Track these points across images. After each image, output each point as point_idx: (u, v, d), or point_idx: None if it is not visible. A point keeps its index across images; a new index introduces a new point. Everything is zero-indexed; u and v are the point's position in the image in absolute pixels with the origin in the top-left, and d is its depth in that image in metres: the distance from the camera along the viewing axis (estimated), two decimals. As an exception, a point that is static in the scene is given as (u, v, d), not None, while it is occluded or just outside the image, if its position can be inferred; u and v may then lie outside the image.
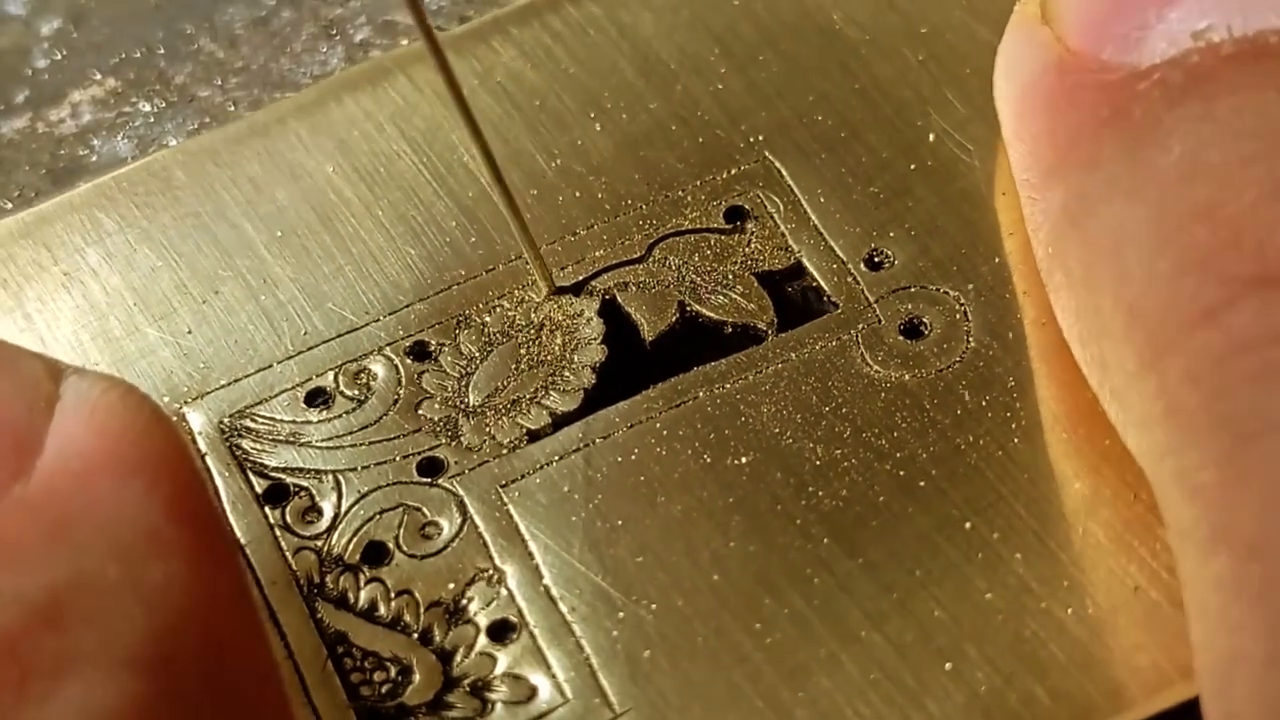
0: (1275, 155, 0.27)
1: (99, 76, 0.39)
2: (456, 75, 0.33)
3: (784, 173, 0.34)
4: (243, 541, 0.31)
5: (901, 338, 0.32)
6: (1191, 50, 0.28)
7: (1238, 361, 0.26)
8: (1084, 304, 0.29)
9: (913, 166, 0.34)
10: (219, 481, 0.31)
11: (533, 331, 0.33)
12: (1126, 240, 0.28)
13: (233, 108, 0.37)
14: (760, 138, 0.35)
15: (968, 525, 0.30)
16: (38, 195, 0.37)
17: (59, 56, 0.39)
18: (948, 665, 0.29)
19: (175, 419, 0.32)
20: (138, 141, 0.38)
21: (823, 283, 0.33)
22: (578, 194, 0.35)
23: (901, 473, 0.31)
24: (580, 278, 0.34)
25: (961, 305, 0.32)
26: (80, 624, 0.25)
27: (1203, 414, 0.26)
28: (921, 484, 0.31)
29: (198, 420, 0.32)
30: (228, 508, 0.31)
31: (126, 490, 0.26)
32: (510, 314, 0.33)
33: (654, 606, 0.30)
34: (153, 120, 0.38)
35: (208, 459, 0.32)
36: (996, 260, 0.33)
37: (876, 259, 0.33)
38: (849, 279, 0.33)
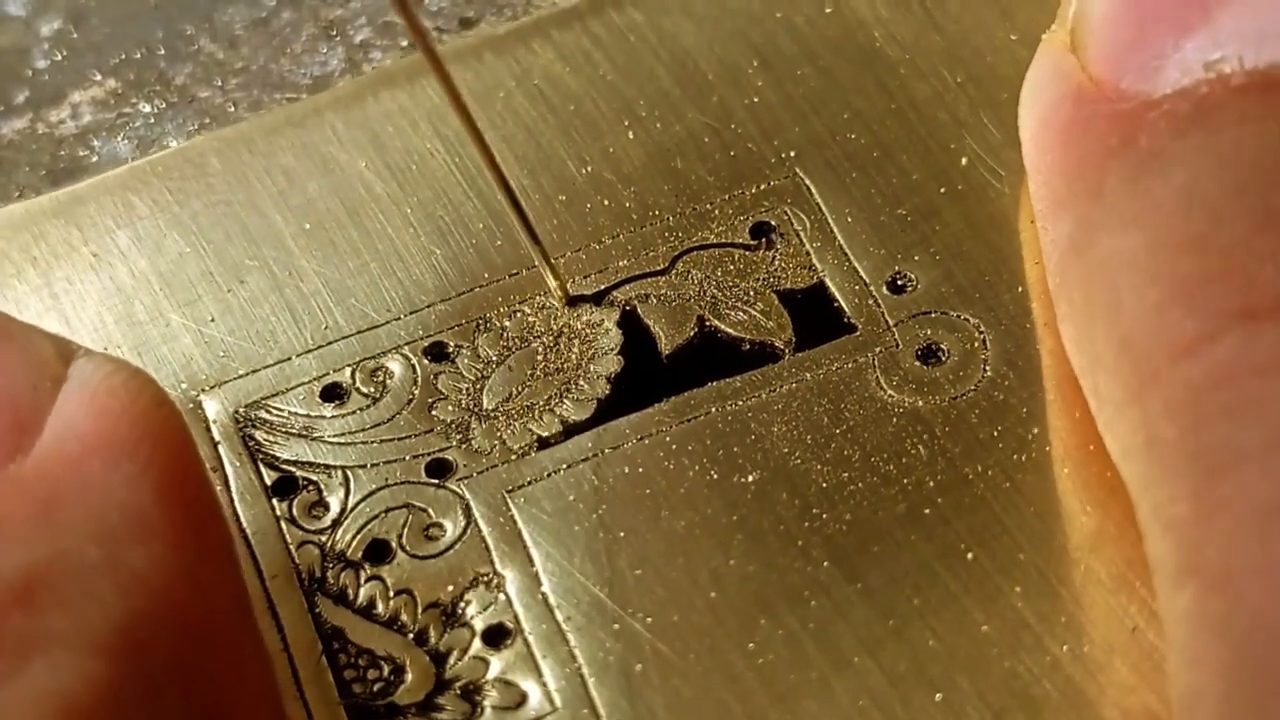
0: (1270, 187, 0.27)
1: (99, 77, 0.39)
2: (493, 77, 0.34)
3: (813, 190, 0.34)
4: (249, 532, 0.31)
5: (918, 363, 0.32)
6: (1202, 81, 0.28)
7: (1216, 394, 0.26)
8: (1082, 334, 0.29)
9: (943, 190, 0.34)
10: (229, 471, 0.32)
11: (551, 339, 0.33)
12: (1121, 270, 0.28)
13: (232, 109, 0.38)
14: (792, 154, 0.35)
15: (970, 556, 0.30)
16: (38, 196, 0.37)
17: (59, 57, 0.39)
18: (938, 696, 0.29)
19: (191, 406, 0.32)
20: (138, 142, 0.38)
21: (843, 303, 0.33)
22: (606, 202, 0.35)
23: (907, 499, 0.31)
24: (602, 287, 0.34)
25: (981, 333, 0.32)
26: (53, 605, 0.25)
27: (1179, 446, 0.26)
28: (926, 512, 0.30)
29: (213, 408, 0.32)
30: (236, 498, 0.31)
31: (117, 473, 0.27)
32: (530, 320, 0.33)
33: (650, 620, 0.30)
34: (153, 121, 0.38)
35: (220, 448, 0.32)
36: (1019, 289, 0.33)
37: (899, 282, 0.33)
38: (870, 301, 0.33)
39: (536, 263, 0.33)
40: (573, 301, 0.33)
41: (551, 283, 0.33)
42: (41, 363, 0.28)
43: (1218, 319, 0.26)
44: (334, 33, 0.39)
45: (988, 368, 0.32)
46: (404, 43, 0.39)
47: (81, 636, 0.25)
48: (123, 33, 0.39)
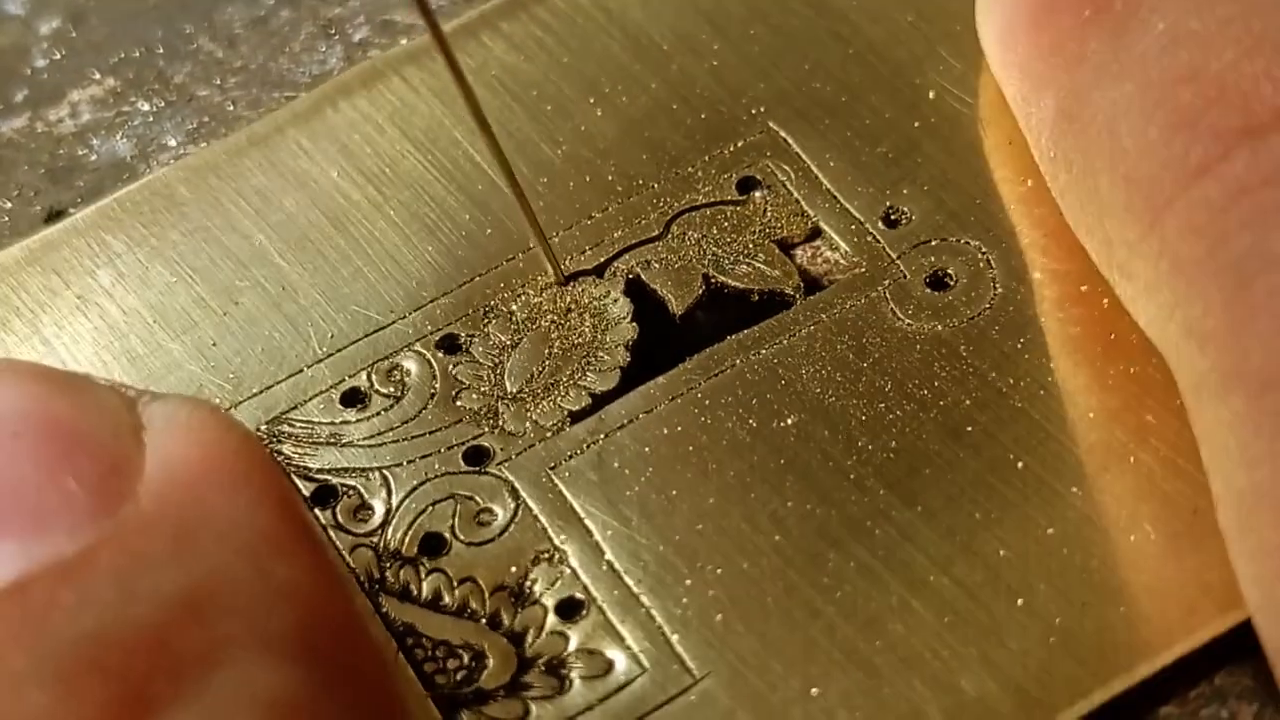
0: (1252, 15, 0.28)
1: (98, 76, 0.38)
2: (447, 73, 0.34)
3: (790, 141, 0.35)
4: (298, 544, 0.31)
5: (928, 290, 0.33)
6: None
7: (1234, 207, 0.27)
8: (1086, 191, 0.30)
9: (917, 124, 0.35)
10: (265, 488, 0.31)
11: (560, 316, 0.33)
12: (1117, 118, 0.29)
13: (231, 107, 0.37)
14: (762, 109, 0.35)
15: (1020, 465, 0.30)
16: (37, 195, 0.37)
17: (58, 56, 0.38)
18: (1019, 601, 0.29)
19: (211, 431, 0.32)
20: (137, 141, 0.37)
21: (843, 244, 0.33)
22: (588, 178, 0.35)
23: (948, 420, 0.31)
24: (602, 260, 0.34)
25: (984, 253, 0.33)
26: (224, 614, 0.25)
27: (1205, 263, 0.27)
28: (969, 429, 0.31)
29: (235, 430, 0.32)
30: (278, 512, 0.31)
31: (238, 499, 0.27)
32: (536, 300, 0.33)
33: (719, 572, 0.30)
34: (152, 120, 0.38)
35: (250, 467, 0.31)
36: (1012, 207, 0.33)
37: (893, 216, 0.34)
38: (869, 238, 0.33)
39: (533, 242, 0.33)
40: (569, 279, 0.33)
41: (548, 263, 0.33)
42: (114, 411, 0.28)
43: (1223, 139, 0.27)
44: (333, 31, 0.38)
45: (997, 285, 0.32)
46: (403, 41, 0.38)
47: (260, 641, 0.25)
48: (122, 32, 0.39)
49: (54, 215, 0.36)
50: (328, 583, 0.27)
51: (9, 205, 0.37)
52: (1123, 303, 0.30)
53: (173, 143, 0.37)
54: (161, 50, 0.39)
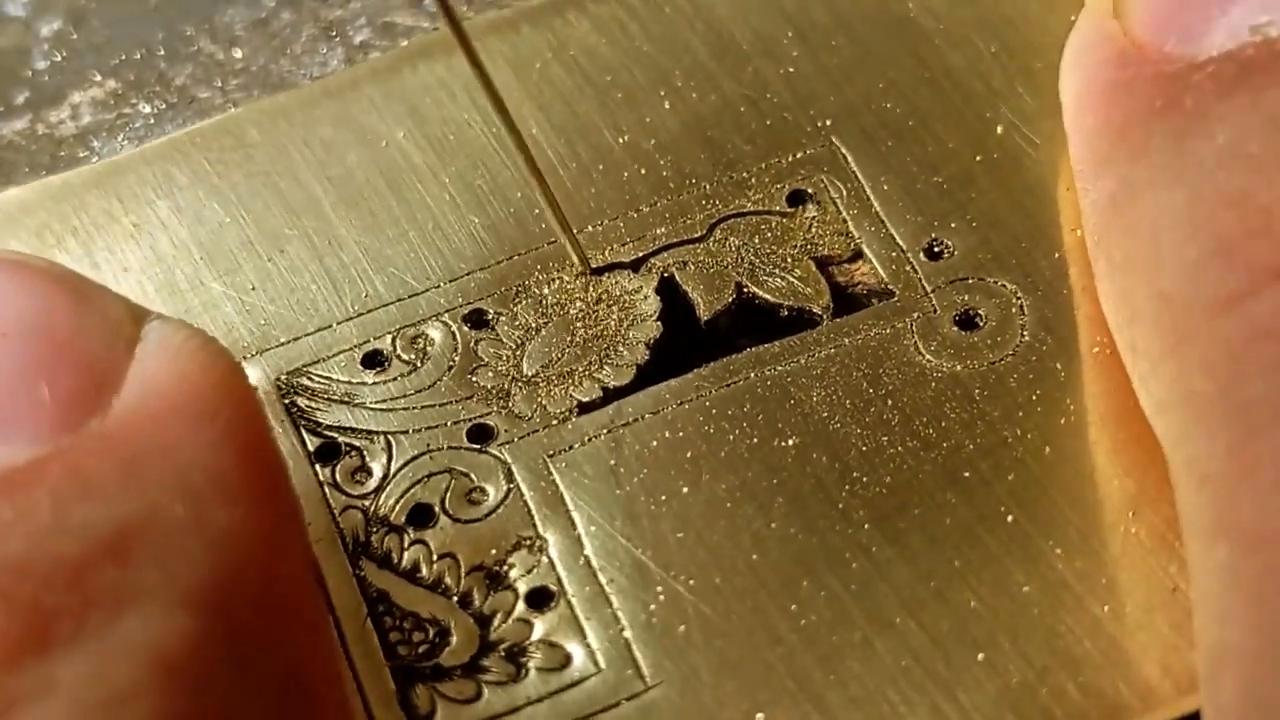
0: None
1: (99, 78, 0.39)
2: (530, 48, 0.34)
3: (849, 158, 0.35)
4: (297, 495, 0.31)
5: (956, 328, 0.32)
6: (1248, 44, 0.29)
7: (1255, 350, 0.26)
8: (1121, 290, 0.30)
9: (978, 158, 0.34)
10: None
11: (590, 305, 0.33)
12: (1162, 226, 0.28)
13: (232, 109, 0.38)
14: (827, 122, 0.35)
15: (1010, 518, 0.30)
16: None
17: (59, 58, 0.39)
18: (980, 656, 0.29)
19: (234, 373, 0.33)
20: (138, 143, 0.38)
21: (881, 270, 0.33)
22: (643, 171, 0.35)
23: (946, 462, 0.31)
24: (640, 254, 0.34)
25: (1018, 299, 0.32)
26: (145, 559, 0.25)
27: (1217, 402, 0.27)
28: (966, 475, 0.31)
29: (255, 375, 0.33)
30: (280, 464, 0.32)
31: (200, 434, 0.27)
32: (569, 287, 0.33)
33: (692, 583, 0.30)
34: (153, 122, 0.38)
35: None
36: (1056, 255, 0.33)
37: (936, 248, 0.33)
38: (908, 267, 0.33)
39: (557, 233, 0.33)
40: (596, 272, 0.33)
41: (573, 253, 0.33)
42: (115, 322, 0.28)
43: (1257, 275, 0.27)
44: (333, 33, 0.39)
45: (1025, 333, 0.32)
46: (404, 43, 0.39)
47: (172, 590, 0.25)
48: (122, 33, 0.39)
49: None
50: (272, 536, 0.27)
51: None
52: (1142, 408, 0.30)
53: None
54: (162, 52, 0.39)
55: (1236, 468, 0.26)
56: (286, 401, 0.32)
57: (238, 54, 0.38)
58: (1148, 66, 0.30)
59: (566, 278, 0.33)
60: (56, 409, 0.27)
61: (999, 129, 0.35)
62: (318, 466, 0.32)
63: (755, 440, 0.31)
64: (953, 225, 0.33)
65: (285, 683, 0.26)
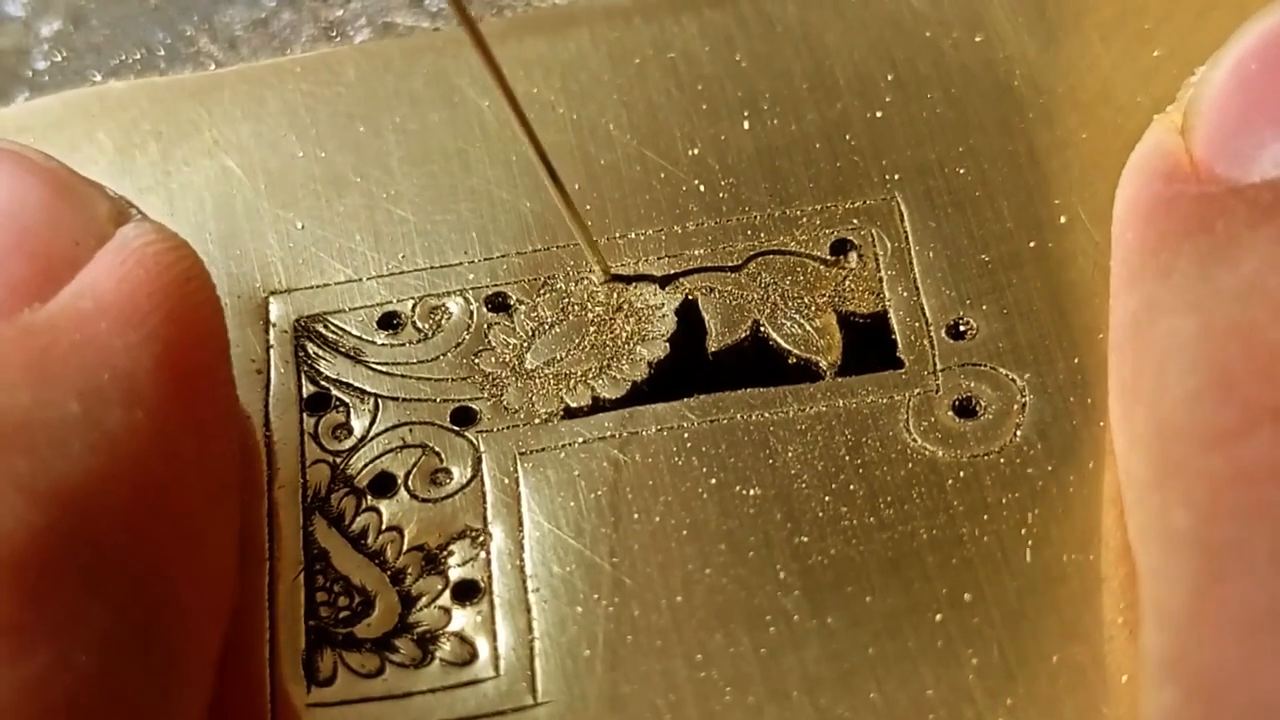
0: None
1: (99, 78, 0.40)
2: (634, 42, 0.34)
3: (905, 216, 0.34)
4: (274, 439, 0.32)
5: (951, 413, 0.32)
6: None
7: (1236, 492, 0.26)
8: (1127, 411, 0.29)
9: (1032, 244, 0.33)
10: (272, 375, 0.33)
11: (608, 312, 0.33)
12: (1172, 352, 0.28)
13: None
14: (896, 176, 0.35)
15: (938, 618, 0.30)
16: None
17: (59, 58, 0.40)
18: (862, 751, 0.29)
19: (258, 304, 0.33)
20: None
21: (899, 338, 0.33)
22: (701, 188, 0.35)
23: (895, 547, 0.31)
24: (671, 271, 0.34)
25: (1023, 398, 0.32)
26: (20, 449, 0.26)
27: (1190, 539, 0.26)
28: (911, 563, 0.30)
29: (277, 311, 0.34)
30: (271, 403, 0.33)
31: (119, 337, 0.28)
32: (594, 289, 0.34)
33: (610, 609, 0.30)
34: None
35: (272, 351, 0.33)
36: (1075, 361, 0.32)
37: (960, 328, 0.33)
38: (925, 341, 0.33)
39: (579, 238, 0.33)
40: (615, 279, 0.34)
41: (591, 257, 0.33)
42: (91, 220, 0.29)
43: (1254, 413, 0.26)
44: (333, 34, 0.39)
45: (1018, 433, 0.31)
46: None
47: (36, 482, 0.26)
48: (122, 34, 0.40)
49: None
50: (171, 448, 0.27)
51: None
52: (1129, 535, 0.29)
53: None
54: (162, 52, 0.40)
55: (1197, 609, 0.25)
56: (297, 344, 0.33)
57: (237, 54, 0.39)
58: (1193, 185, 0.29)
59: (594, 279, 0.34)
60: None
61: (1063, 219, 0.34)
62: (305, 414, 0.32)
63: (718, 482, 0.31)
64: (984, 307, 0.33)
65: (152, 605, 0.26)
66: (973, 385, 0.32)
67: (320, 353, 0.33)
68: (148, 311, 0.28)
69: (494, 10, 0.37)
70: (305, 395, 0.33)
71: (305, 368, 0.33)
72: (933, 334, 0.33)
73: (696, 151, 0.35)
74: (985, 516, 0.31)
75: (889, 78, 0.36)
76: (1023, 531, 0.30)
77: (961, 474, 0.31)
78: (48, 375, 0.27)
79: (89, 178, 0.31)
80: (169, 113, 0.36)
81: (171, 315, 0.28)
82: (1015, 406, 0.32)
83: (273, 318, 0.34)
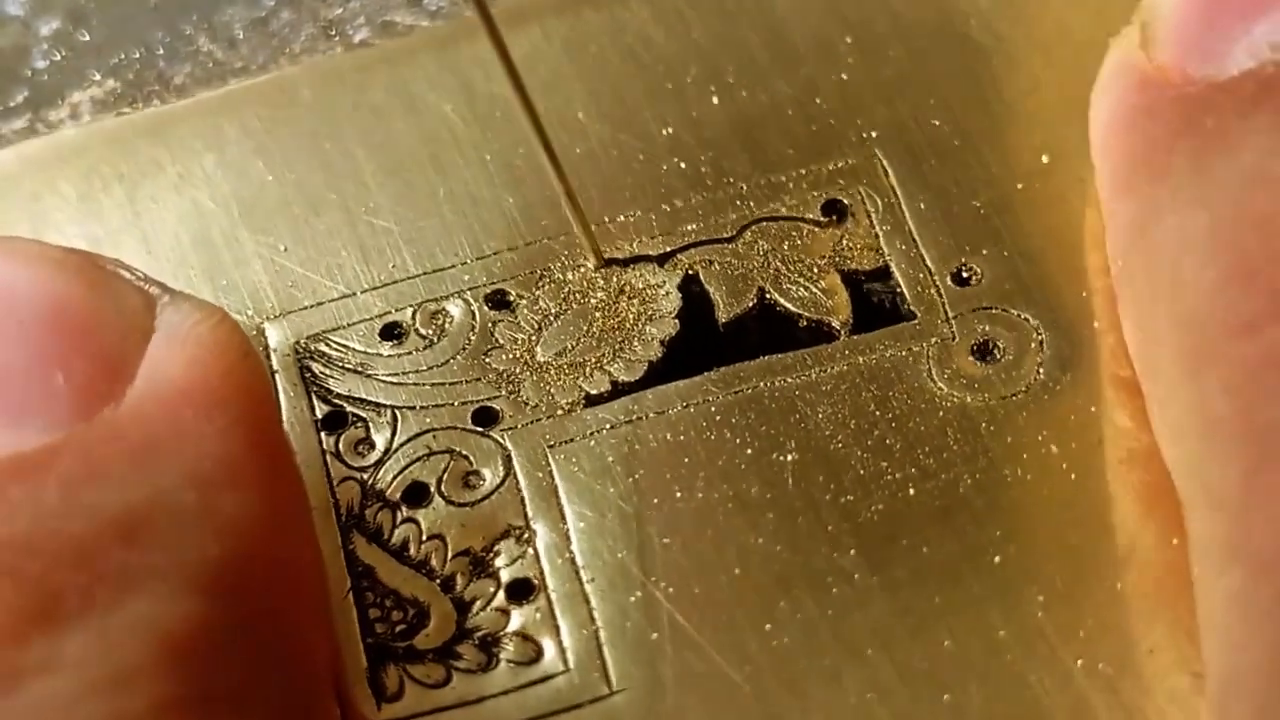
0: None
1: (98, 77, 0.39)
2: (587, 31, 0.34)
3: (890, 173, 0.34)
4: (298, 463, 0.32)
5: (972, 358, 0.32)
6: (1269, 62, 0.28)
7: (1272, 373, 0.26)
8: (1142, 313, 0.29)
9: (1020, 186, 0.34)
10: (283, 400, 0.32)
11: (611, 296, 0.33)
12: (1184, 249, 0.28)
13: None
14: (874, 134, 0.35)
15: (996, 559, 0.30)
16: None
17: (58, 57, 0.39)
18: (946, 698, 0.29)
19: (255, 332, 0.33)
20: None
21: (906, 290, 0.33)
22: (682, 165, 0.35)
23: (943, 495, 0.31)
24: (667, 249, 0.34)
25: (1039, 335, 0.32)
26: (154, 543, 0.26)
27: (1234, 425, 0.26)
28: (960, 509, 0.30)
29: (275, 337, 0.33)
30: (286, 428, 0.32)
31: (210, 422, 0.27)
32: (593, 276, 0.33)
33: (671, 590, 0.30)
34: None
35: (278, 377, 0.33)
36: (1084, 293, 0.32)
37: (965, 274, 0.33)
38: (932, 290, 0.33)
39: (575, 226, 0.33)
40: (609, 264, 0.33)
41: (586, 244, 0.33)
42: (131, 309, 0.29)
43: (1277, 299, 0.26)
44: (333, 32, 0.39)
45: (1041, 370, 0.32)
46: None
47: (180, 574, 0.26)
48: (122, 33, 0.39)
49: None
50: (281, 521, 0.28)
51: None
52: (1155, 437, 0.29)
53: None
54: (162, 51, 0.39)
55: (1252, 492, 0.26)
56: (301, 366, 0.33)
57: (237, 53, 0.38)
58: (1170, 90, 0.30)
59: (592, 266, 0.33)
60: (72, 397, 0.27)
61: (1045, 158, 0.34)
62: (323, 434, 0.32)
63: (753, 452, 0.31)
64: (984, 252, 0.33)
65: (290, 666, 0.26)
66: (987, 329, 0.32)
67: (326, 371, 0.33)
68: (225, 393, 0.28)
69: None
70: (320, 415, 0.32)
71: (314, 388, 0.32)
72: (938, 283, 0.33)
73: (671, 131, 0.35)
74: (1025, 455, 0.31)
75: (847, 40, 0.36)
76: (1064, 465, 0.31)
77: (994, 416, 0.31)
78: (155, 469, 0.27)
79: (109, 258, 0.30)
80: (127, 153, 0.35)
81: (247, 393, 0.28)
82: (1033, 345, 0.32)
83: (272, 344, 0.33)
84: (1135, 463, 0.30)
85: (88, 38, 0.40)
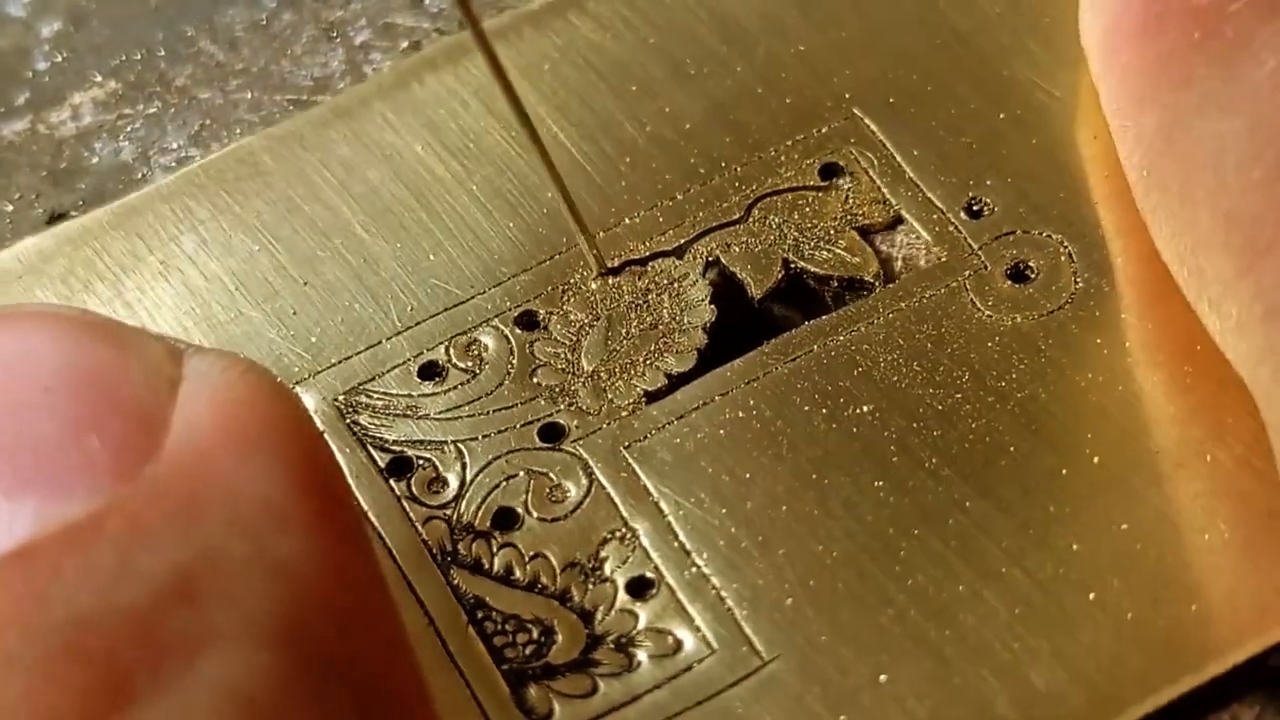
0: None
1: (99, 78, 0.38)
2: (536, 51, 0.34)
3: (874, 128, 0.35)
4: (370, 513, 0.31)
5: (1009, 282, 0.32)
6: None
7: None
8: (1181, 219, 0.30)
9: (1002, 115, 0.35)
10: (340, 458, 0.31)
11: (639, 296, 0.33)
12: (1223, 152, 0.29)
13: (233, 110, 0.37)
14: (847, 95, 0.35)
15: (1095, 460, 0.30)
16: (38, 197, 0.37)
17: (59, 58, 0.39)
18: (1092, 595, 0.29)
19: (290, 398, 0.32)
20: (138, 144, 0.37)
21: (924, 233, 0.33)
22: (671, 160, 0.35)
23: (1024, 413, 0.31)
24: (682, 241, 0.34)
25: (1065, 247, 0.33)
26: (212, 601, 0.24)
27: None
28: (1046, 422, 0.31)
29: (311, 399, 0.32)
30: (352, 482, 0.31)
31: (248, 466, 0.26)
32: (615, 281, 0.33)
33: (790, 555, 0.30)
34: (153, 123, 0.38)
35: (326, 436, 0.32)
36: (1095, 202, 0.33)
37: (976, 207, 0.34)
38: (950, 228, 0.33)
39: (577, 236, 0.33)
40: (612, 272, 0.33)
41: (588, 255, 0.33)
42: (156, 365, 0.27)
43: None
44: (334, 34, 0.38)
45: (1079, 279, 0.32)
46: (404, 44, 0.38)
47: (245, 629, 0.24)
48: (123, 34, 0.39)
49: (55, 218, 0.36)
50: (336, 560, 0.26)
51: (10, 208, 0.37)
52: (1211, 335, 0.30)
53: (174, 145, 0.37)
54: (163, 53, 0.39)
55: None
56: (349, 421, 0.32)
57: (238, 54, 0.38)
58: (1174, 3, 0.31)
59: (592, 274, 0.33)
60: (109, 459, 0.26)
61: (1018, 86, 0.35)
62: (392, 481, 0.31)
63: (829, 410, 0.31)
64: (988, 183, 0.34)
65: (367, 705, 0.25)
66: (1015, 252, 0.33)
67: (375, 421, 0.32)
68: (260, 435, 0.27)
69: (494, 10, 0.37)
70: (383, 465, 0.31)
71: (368, 440, 0.32)
72: (953, 220, 0.33)
73: (650, 129, 0.35)
74: (1089, 360, 0.31)
75: (795, 13, 0.37)
76: (1130, 360, 0.31)
77: (1048, 331, 0.32)
78: (200, 523, 0.25)
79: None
80: (99, 251, 0.34)
81: (282, 431, 0.27)
82: (1063, 258, 0.33)
83: (310, 406, 0.32)
84: (1197, 349, 0.31)
85: (89, 39, 0.39)
